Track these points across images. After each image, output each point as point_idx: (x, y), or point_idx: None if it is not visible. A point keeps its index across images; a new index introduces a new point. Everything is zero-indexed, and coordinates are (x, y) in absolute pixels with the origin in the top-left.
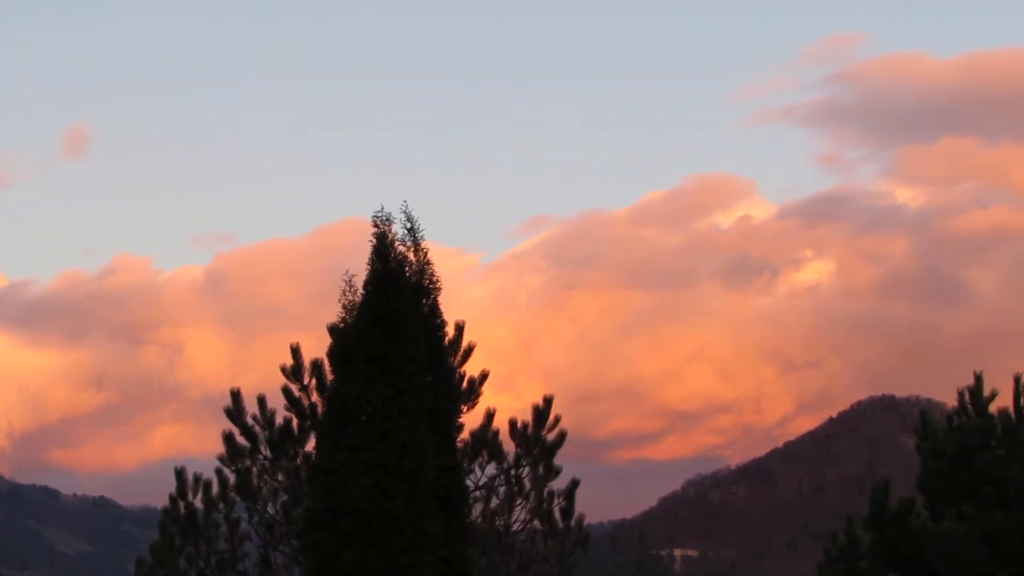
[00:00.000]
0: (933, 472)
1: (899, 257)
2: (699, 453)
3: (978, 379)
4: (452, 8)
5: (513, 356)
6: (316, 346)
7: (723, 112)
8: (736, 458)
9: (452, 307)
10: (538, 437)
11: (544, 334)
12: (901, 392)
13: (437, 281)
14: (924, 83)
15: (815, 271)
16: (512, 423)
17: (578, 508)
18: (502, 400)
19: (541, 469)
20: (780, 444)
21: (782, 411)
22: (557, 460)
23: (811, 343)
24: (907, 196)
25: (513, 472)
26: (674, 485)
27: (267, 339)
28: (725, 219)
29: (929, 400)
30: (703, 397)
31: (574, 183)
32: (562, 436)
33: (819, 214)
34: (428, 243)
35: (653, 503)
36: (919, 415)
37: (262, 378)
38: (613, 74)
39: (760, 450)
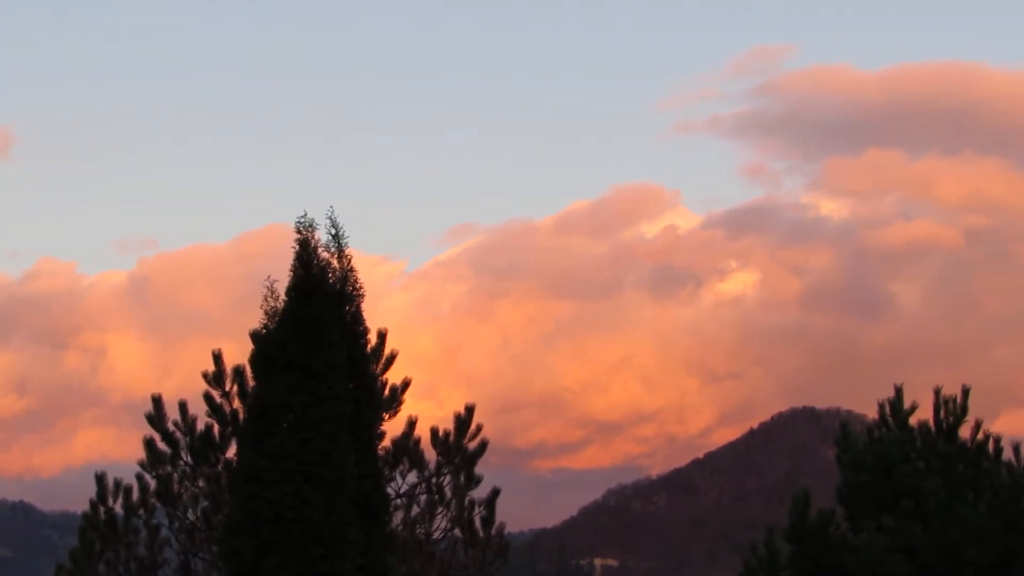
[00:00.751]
0: (853, 484)
1: (823, 269)
2: (621, 463)
3: (898, 392)
4: (380, 13)
5: (437, 364)
6: (239, 352)
7: (649, 122)
8: (657, 468)
9: (376, 315)
10: (459, 446)
11: (468, 342)
12: (822, 404)
13: (360, 288)
14: (850, 95)
15: (739, 282)
16: (434, 431)
17: (499, 517)
18: (425, 408)
19: (462, 478)
20: (701, 454)
21: (705, 421)
22: (479, 469)
23: (734, 354)
24: (832, 208)
25: (434, 480)
26: (595, 494)
27: (190, 345)
28: (650, 229)
29: (850, 412)
30: (626, 407)
31: (500, 191)
32: (483, 445)
33: (744, 225)
34: (353, 250)
35: (574, 512)
36: (840, 427)
37: (185, 384)
38: (539, 83)
39: (681, 460)
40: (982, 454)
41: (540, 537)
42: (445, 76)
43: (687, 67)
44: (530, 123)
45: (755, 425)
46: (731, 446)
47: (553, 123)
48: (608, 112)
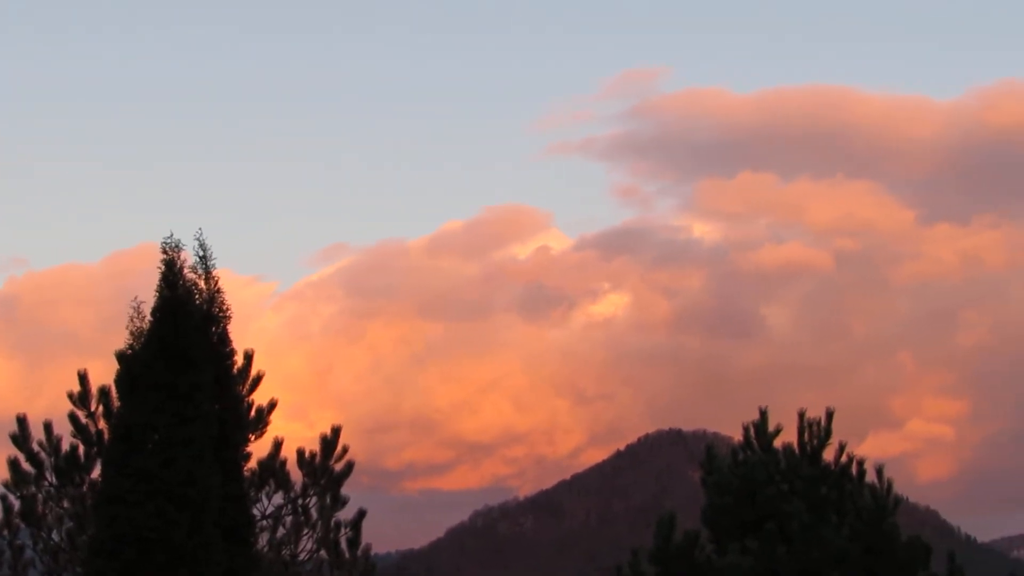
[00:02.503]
0: (718, 506)
1: (694, 291)
2: (490, 484)
3: (763, 414)
4: (252, 35)
5: (307, 385)
6: (106, 372)
7: (522, 143)
8: (526, 489)
9: (246, 335)
10: (326, 467)
11: (339, 363)
12: (690, 426)
13: (227, 309)
14: (723, 118)
15: (611, 303)
16: (300, 453)
17: (366, 538)
18: (295, 429)
19: (328, 499)
20: (568, 476)
21: (574, 442)
22: (345, 490)
23: (605, 375)
24: (704, 230)
25: (300, 502)
26: (464, 516)
27: (59, 365)
28: (522, 250)
29: (716, 434)
30: (497, 428)
31: (372, 212)
32: (350, 466)
33: (616, 247)
34: (224, 271)
35: (441, 534)
36: (705, 449)
37: (53, 404)
38: (412, 103)
39: (550, 481)
40: (845, 477)
41: (407, 558)
42: (318, 96)
43: (561, 89)
44: (403, 144)
45: (622, 447)
46: (598, 468)
47: (426, 144)
48: (482, 133)
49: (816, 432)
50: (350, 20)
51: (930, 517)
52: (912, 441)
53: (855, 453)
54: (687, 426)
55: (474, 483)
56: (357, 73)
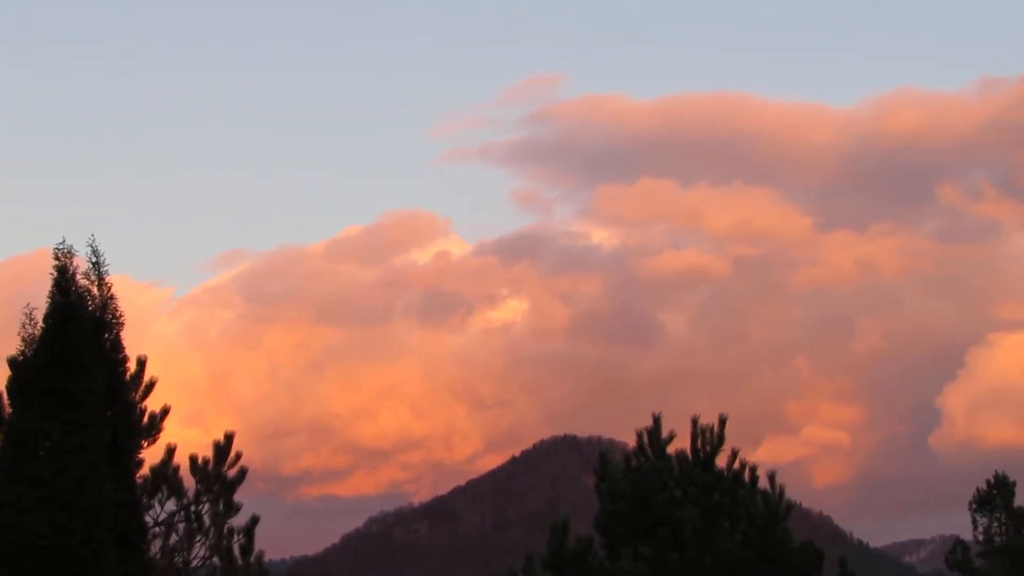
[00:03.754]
0: (611, 512)
1: (592, 297)
2: (387, 490)
3: (656, 420)
4: (142, 46)
5: (205, 391)
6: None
7: (422, 149)
8: (422, 495)
9: (142, 341)
10: (219, 473)
11: (236, 369)
12: (587, 432)
13: (120, 316)
14: (623, 124)
15: (510, 309)
16: (193, 459)
17: (260, 544)
18: (192, 435)
19: (221, 505)
20: (463, 482)
21: (472, 448)
22: (242, 496)
23: (503, 381)
24: (603, 236)
25: (193, 508)
26: (359, 521)
27: None
28: (422, 256)
29: (611, 440)
30: (394, 434)
31: (271, 217)
32: (243, 472)
33: (515, 252)
34: (120, 276)
35: (336, 540)
36: (599, 456)
37: None
38: (313, 109)
39: (445, 488)
40: (738, 483)
41: (301, 565)
42: (217, 102)
43: (461, 95)
44: (302, 149)
45: (517, 453)
46: (493, 474)
47: (325, 149)
48: (382, 139)
49: (709, 438)
50: (251, 28)
51: (823, 522)
52: (808, 447)
53: (751, 459)
54: (583, 432)
55: (370, 489)
56: (256, 80)
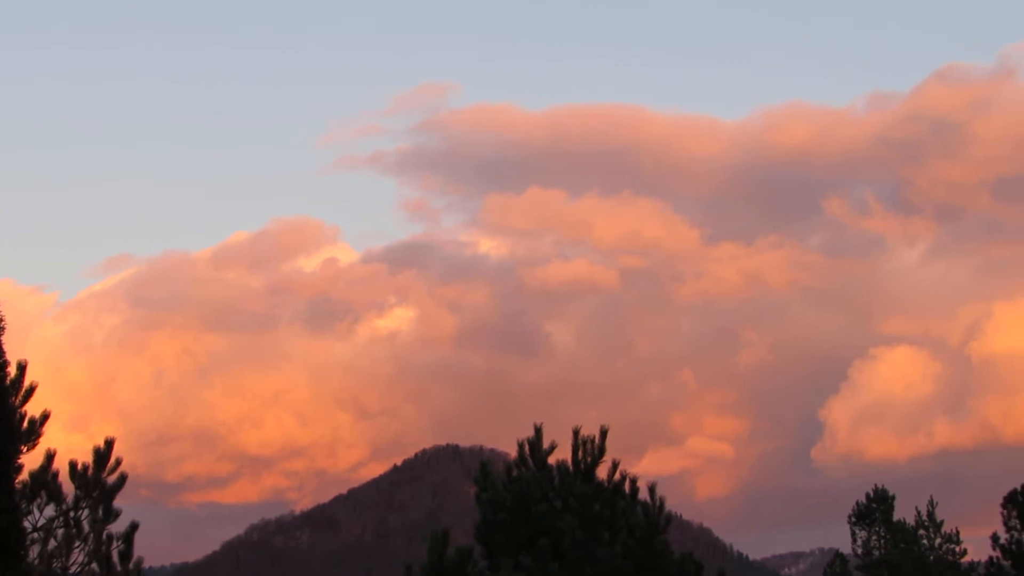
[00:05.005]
0: (492, 522)
1: (480, 307)
2: (270, 497)
3: (537, 431)
4: (30, 51)
5: (89, 396)
6: None
7: (311, 157)
8: (304, 503)
9: (26, 346)
10: (98, 479)
11: (121, 374)
12: (467, 441)
13: (1, 320)
14: (513, 134)
15: (397, 318)
16: (72, 465)
17: (141, 551)
18: (76, 440)
19: (100, 512)
20: (345, 490)
21: (356, 457)
22: (125, 502)
23: (388, 390)
24: (491, 246)
25: (72, 514)
26: (241, 529)
27: None
28: (309, 263)
29: (493, 450)
30: (279, 442)
31: (158, 223)
32: (123, 478)
33: (403, 261)
34: (3, 281)
35: (217, 547)
36: (480, 465)
37: None
38: (202, 116)
39: (327, 496)
40: (618, 494)
41: (182, 572)
42: (108, 108)
43: (350, 103)
44: (190, 155)
45: (399, 462)
46: (375, 482)
47: (214, 156)
48: (271, 146)
49: (590, 450)
50: (143, 36)
51: (703, 534)
52: (692, 458)
53: (635, 470)
54: (467, 442)
55: (253, 496)
56: (146, 87)
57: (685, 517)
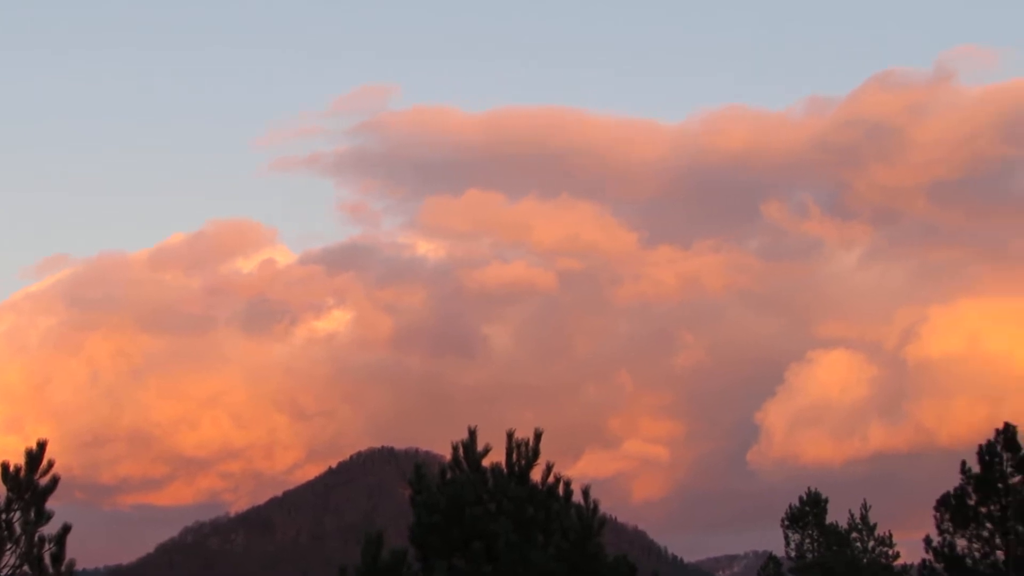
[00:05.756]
0: (426, 525)
1: (417, 309)
2: (206, 499)
3: (472, 433)
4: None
5: (23, 398)
6: None
7: (250, 158)
8: (239, 505)
9: None
10: (31, 481)
11: (57, 376)
12: (404, 444)
13: None
14: (452, 136)
15: (334, 320)
16: (4, 467)
17: (74, 553)
18: (10, 442)
19: (32, 514)
20: (280, 492)
21: (292, 459)
22: (60, 504)
23: (325, 392)
24: (429, 248)
25: (3, 516)
26: (175, 531)
27: None
28: (247, 265)
29: (428, 452)
30: (215, 443)
31: (95, 223)
32: (55, 480)
33: (341, 263)
34: None
35: (151, 549)
36: (414, 468)
37: None
38: (139, 116)
39: (263, 498)
40: (552, 497)
41: (115, 574)
42: (42, 107)
43: (289, 104)
44: (127, 155)
45: (334, 464)
46: (310, 485)
47: (151, 156)
48: (209, 147)
49: (524, 452)
50: (77, 37)
51: (638, 537)
52: (628, 461)
53: (571, 473)
54: (403, 444)
55: (188, 499)
56: (82, 87)
57: (620, 520)
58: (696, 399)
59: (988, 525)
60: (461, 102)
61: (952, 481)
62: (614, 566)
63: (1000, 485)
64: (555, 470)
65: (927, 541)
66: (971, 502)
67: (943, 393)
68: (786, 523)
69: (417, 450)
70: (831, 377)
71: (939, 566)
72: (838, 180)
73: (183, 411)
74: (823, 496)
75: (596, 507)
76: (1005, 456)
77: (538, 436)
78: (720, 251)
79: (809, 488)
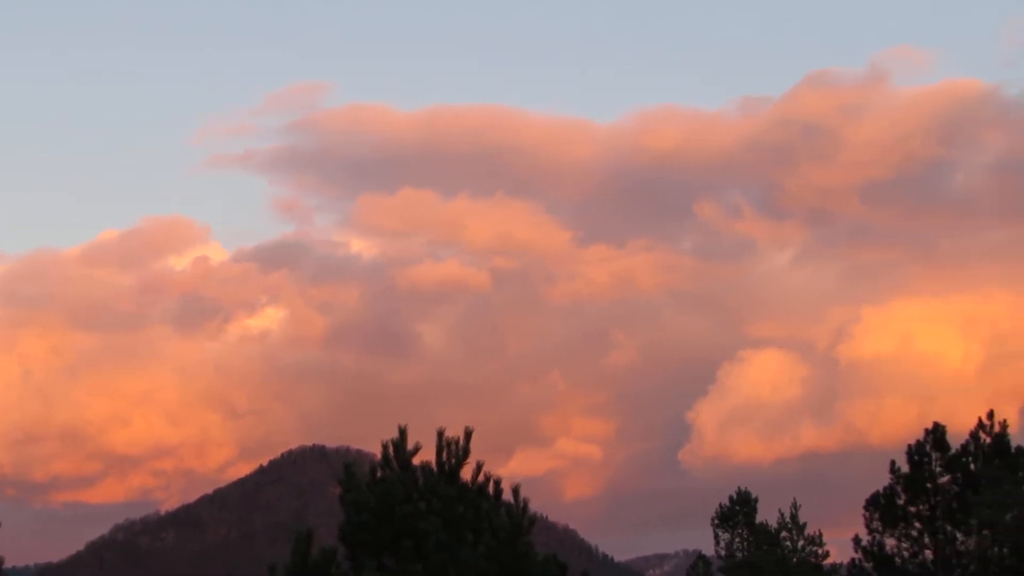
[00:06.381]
0: (355, 523)
1: (351, 307)
2: (137, 497)
3: (402, 432)
4: None
5: None
6: None
7: (182, 155)
8: (170, 503)
9: None
10: None
11: None
12: (336, 442)
13: None
14: (386, 134)
15: (267, 317)
16: None
17: (3, 550)
18: None
19: None
20: (211, 490)
21: (224, 457)
22: None
23: (258, 389)
24: (362, 246)
25: None
26: (106, 528)
27: None
28: (180, 262)
29: (360, 451)
30: (148, 441)
31: (27, 220)
32: None
33: (275, 260)
34: None
35: (81, 547)
36: (344, 466)
37: None
38: (72, 112)
39: (194, 496)
40: (482, 496)
41: (45, 572)
42: None
43: (223, 101)
44: (60, 153)
45: (265, 463)
46: (241, 483)
47: (85, 154)
48: (143, 144)
49: (455, 451)
50: (10, 36)
51: (568, 536)
52: (560, 460)
53: (504, 471)
54: (335, 442)
55: (120, 496)
56: (15, 84)
57: (551, 519)
58: (628, 398)
59: (917, 525)
60: (395, 100)
61: (882, 481)
62: (544, 565)
63: (929, 485)
64: (486, 469)
65: (856, 540)
66: (900, 502)
67: (874, 393)
68: (716, 522)
69: (348, 448)
70: (763, 376)
71: (868, 565)
72: (771, 180)
73: (116, 409)
74: (753, 495)
75: (526, 506)
76: (934, 456)
77: (468, 435)
78: (653, 250)
79: (739, 487)
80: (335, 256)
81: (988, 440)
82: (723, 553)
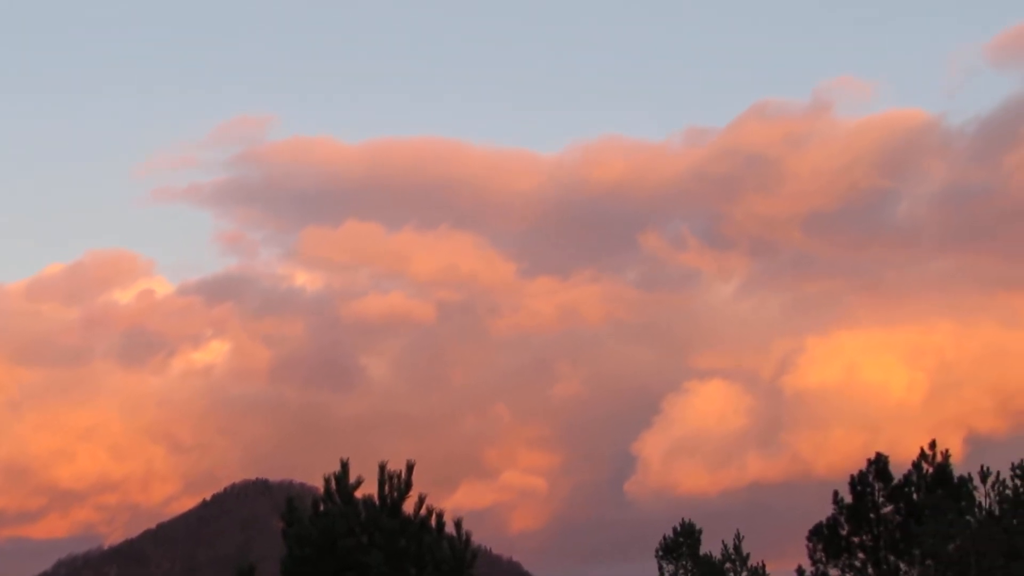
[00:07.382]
0: (298, 557)
1: (295, 340)
2: (80, 532)
3: (344, 465)
4: None
5: None
6: None
7: (127, 188)
8: (113, 538)
9: None
10: None
11: None
12: (279, 476)
13: None
14: (330, 167)
15: (212, 351)
16: None
17: None
18: None
19: None
20: (154, 525)
21: (168, 491)
22: None
23: (202, 424)
24: (307, 279)
25: None
26: (48, 564)
27: None
28: (124, 296)
29: (303, 485)
30: (92, 476)
31: None
32: None
33: (219, 294)
34: None
35: None
36: (287, 501)
37: None
38: (15, 145)
39: (137, 530)
40: (425, 529)
41: None
42: None
43: (166, 133)
44: (1, 188)
45: (208, 497)
46: (184, 517)
47: (28, 187)
48: (86, 176)
49: (397, 484)
50: None
51: (512, 568)
52: (505, 492)
53: (448, 504)
54: (278, 476)
55: (63, 531)
56: None
57: (496, 551)
58: (574, 430)
59: (860, 555)
60: (339, 132)
61: (826, 511)
62: None
63: (872, 515)
64: (430, 501)
65: (799, 571)
66: (843, 532)
67: (820, 423)
68: (660, 554)
69: (292, 482)
70: (708, 407)
71: None
72: (716, 211)
73: (60, 443)
74: (697, 526)
75: (468, 539)
76: (877, 486)
77: (410, 468)
78: (598, 282)
79: (683, 519)
80: (280, 289)
81: (931, 470)
82: None
